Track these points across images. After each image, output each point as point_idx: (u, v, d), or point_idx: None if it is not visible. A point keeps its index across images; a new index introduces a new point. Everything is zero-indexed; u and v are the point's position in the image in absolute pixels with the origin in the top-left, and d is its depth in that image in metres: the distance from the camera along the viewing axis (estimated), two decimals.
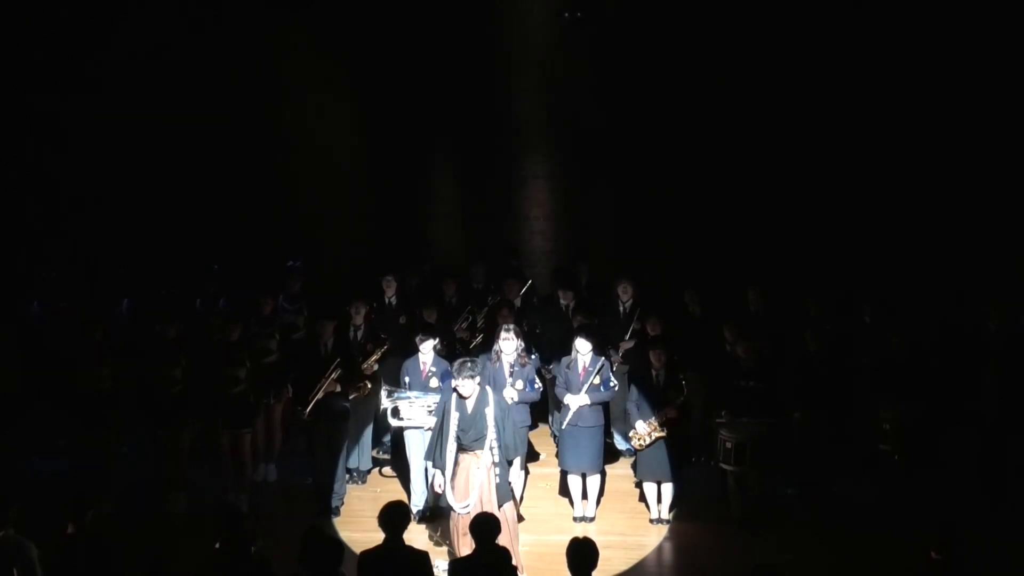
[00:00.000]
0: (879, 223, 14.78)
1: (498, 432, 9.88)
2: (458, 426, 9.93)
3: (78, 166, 15.27)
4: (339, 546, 7.88)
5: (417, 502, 11.47)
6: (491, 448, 9.86)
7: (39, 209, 15.07)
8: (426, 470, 11.50)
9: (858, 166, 14.89)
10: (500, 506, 9.73)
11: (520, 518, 10.92)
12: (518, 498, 10.96)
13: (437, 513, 11.27)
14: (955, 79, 14.40)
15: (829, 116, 14.88)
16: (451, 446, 9.93)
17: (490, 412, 9.92)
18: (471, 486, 9.82)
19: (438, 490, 10.00)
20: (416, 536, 10.25)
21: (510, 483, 10.10)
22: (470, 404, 9.97)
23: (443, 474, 9.94)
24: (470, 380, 9.93)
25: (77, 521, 8.24)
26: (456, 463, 9.93)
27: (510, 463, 10.09)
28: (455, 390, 10.01)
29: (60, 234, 15.03)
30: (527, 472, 11.78)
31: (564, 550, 7.62)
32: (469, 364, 10.08)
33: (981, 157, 14.45)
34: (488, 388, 10.25)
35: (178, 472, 11.76)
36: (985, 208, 14.36)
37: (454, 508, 9.83)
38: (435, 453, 10.09)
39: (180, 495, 11.69)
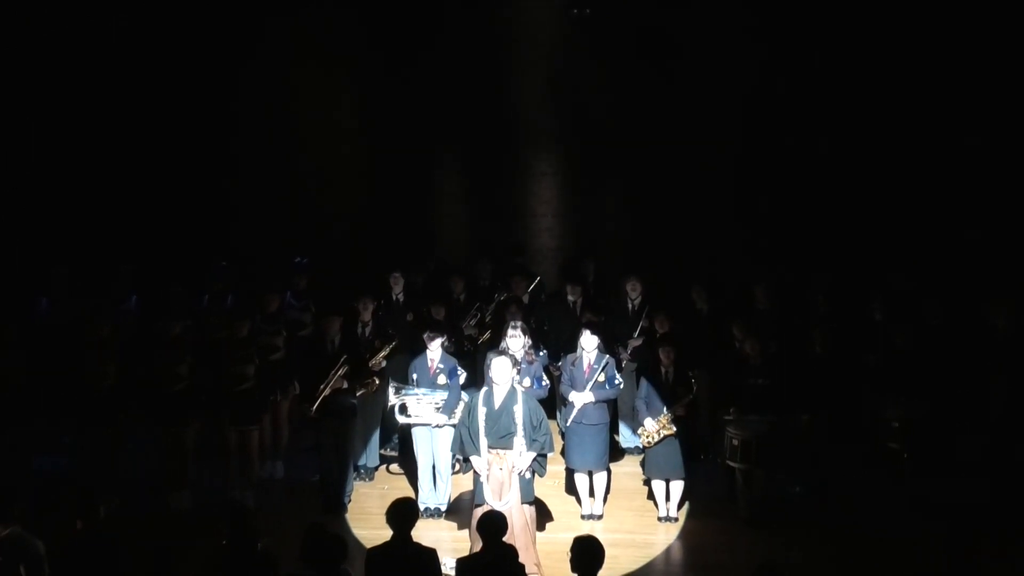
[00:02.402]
0: (889, 219, 14.65)
1: (526, 432, 9.84)
2: (485, 421, 9.89)
3: (84, 160, 15.18)
4: (341, 543, 7.82)
5: (425, 499, 11.46)
6: (520, 450, 9.82)
7: (46, 204, 14.96)
8: (433, 468, 11.52)
9: (867, 162, 14.78)
10: (521, 505, 9.77)
11: None
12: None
13: (454, 508, 11.33)
14: (970, 74, 14.27)
15: (838, 111, 14.78)
16: (483, 439, 9.89)
17: (519, 410, 9.88)
18: (500, 485, 9.82)
19: (480, 471, 9.89)
20: (424, 533, 10.08)
21: (532, 477, 10.02)
22: (498, 399, 9.94)
23: (479, 456, 9.87)
24: (507, 364, 10.01)
25: (86, 518, 8.17)
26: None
27: (545, 456, 10.03)
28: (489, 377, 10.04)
29: (67, 230, 14.93)
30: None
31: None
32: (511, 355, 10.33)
33: (992, 154, 14.30)
34: (518, 387, 10.21)
35: (183, 470, 11.72)
36: (995, 205, 14.22)
37: (489, 504, 9.70)
38: (463, 444, 10.00)
39: (185, 493, 11.67)
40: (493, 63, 15.73)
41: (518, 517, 9.71)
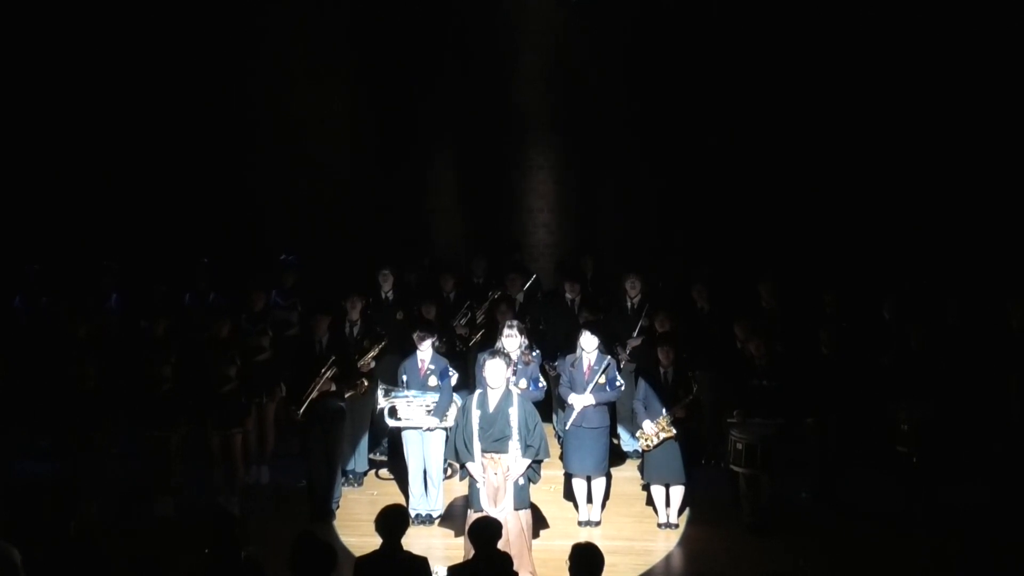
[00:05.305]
0: (899, 215, 14.53)
1: (521, 435, 9.61)
2: (479, 424, 9.66)
3: (64, 156, 15.07)
4: (332, 552, 7.60)
5: (416, 505, 11.27)
6: (515, 454, 9.60)
7: (24, 200, 14.88)
8: (424, 473, 11.34)
9: (877, 156, 14.63)
10: (516, 511, 9.58)
11: None
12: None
13: (447, 515, 11.24)
14: (982, 67, 14.15)
15: (845, 105, 14.63)
16: (477, 444, 9.66)
17: (514, 413, 9.65)
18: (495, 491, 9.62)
19: (476, 477, 9.65)
20: (415, 541, 10.02)
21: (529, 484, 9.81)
22: (492, 402, 9.71)
23: (474, 462, 9.64)
24: (501, 365, 9.73)
25: (65, 525, 7.95)
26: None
27: (539, 463, 9.80)
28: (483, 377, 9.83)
29: (46, 226, 14.83)
30: None
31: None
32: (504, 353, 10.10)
33: (1005, 150, 14.19)
34: (513, 388, 10.01)
35: (167, 475, 11.50)
36: (1010, 202, 14.09)
37: (485, 510, 9.47)
38: (457, 451, 9.78)
39: (168, 499, 11.45)
40: (489, 52, 15.58)
41: (513, 523, 9.53)
